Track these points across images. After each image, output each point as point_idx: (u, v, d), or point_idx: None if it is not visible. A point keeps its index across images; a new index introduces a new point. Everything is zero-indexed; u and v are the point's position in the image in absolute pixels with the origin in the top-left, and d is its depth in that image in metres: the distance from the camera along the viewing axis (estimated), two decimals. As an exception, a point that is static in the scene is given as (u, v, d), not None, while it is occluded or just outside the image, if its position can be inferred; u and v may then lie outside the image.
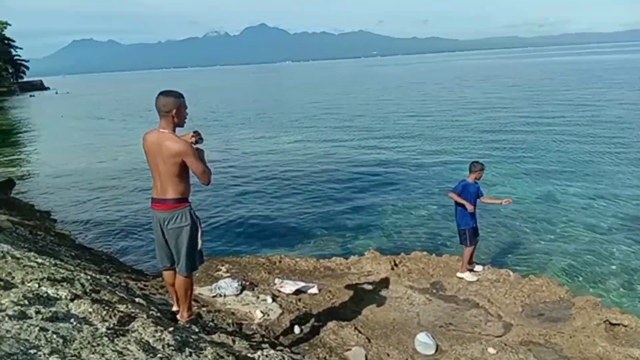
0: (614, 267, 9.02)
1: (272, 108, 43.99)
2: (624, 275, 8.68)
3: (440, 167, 17.21)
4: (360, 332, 6.30)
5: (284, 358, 4.32)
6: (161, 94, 4.21)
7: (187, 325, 4.57)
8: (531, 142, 20.77)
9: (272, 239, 10.94)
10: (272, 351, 4.41)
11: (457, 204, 7.95)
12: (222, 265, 8.56)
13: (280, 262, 9.09)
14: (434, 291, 7.83)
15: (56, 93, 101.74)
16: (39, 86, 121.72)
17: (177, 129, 4.37)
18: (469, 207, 7.70)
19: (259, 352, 4.22)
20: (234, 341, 4.48)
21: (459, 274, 8.15)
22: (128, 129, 33.39)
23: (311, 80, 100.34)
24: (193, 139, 4.51)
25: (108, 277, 6.58)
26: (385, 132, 25.58)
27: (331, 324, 6.39)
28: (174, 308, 4.88)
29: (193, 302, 6.67)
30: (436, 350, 6.05)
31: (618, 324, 6.65)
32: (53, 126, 39.61)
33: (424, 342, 6.12)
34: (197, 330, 4.54)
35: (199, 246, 4.51)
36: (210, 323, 5.59)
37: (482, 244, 10.09)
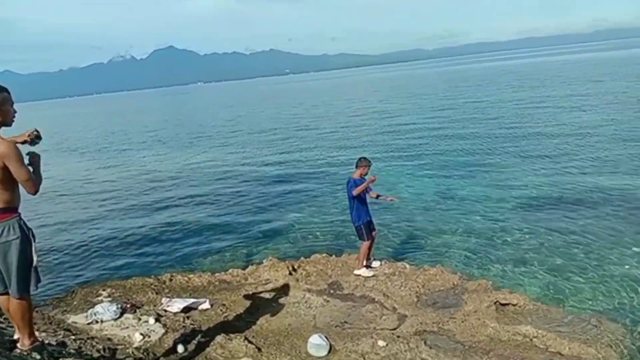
0: (506, 251, 9.25)
1: (177, 128, 42.82)
2: (516, 258, 8.90)
3: (343, 173, 17.28)
4: (250, 342, 5.91)
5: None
6: None
7: (26, 354, 3.95)
8: (428, 143, 21.56)
9: (162, 257, 10.28)
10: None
11: (353, 199, 7.86)
12: (104, 290, 7.85)
13: (170, 280, 8.50)
14: (332, 291, 7.63)
15: None
16: None
17: (5, 129, 3.84)
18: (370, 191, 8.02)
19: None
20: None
21: (356, 272, 8.01)
22: None
23: (221, 100, 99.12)
24: (28, 138, 3.98)
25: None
26: (291, 145, 25.53)
27: (219, 338, 5.95)
28: (15, 336, 4.23)
29: (66, 332, 5.98)
30: (329, 351, 5.79)
31: (507, 304, 6.76)
32: None
33: (316, 344, 5.84)
34: (38, 358, 3.93)
35: (34, 262, 3.90)
36: (73, 351, 4.95)
37: (381, 240, 10.09)
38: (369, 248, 8.15)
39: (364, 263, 8.09)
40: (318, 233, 11.13)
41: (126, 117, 71.69)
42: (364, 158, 7.96)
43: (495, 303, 6.69)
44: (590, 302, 6.99)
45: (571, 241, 9.34)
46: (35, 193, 3.81)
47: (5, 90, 3.78)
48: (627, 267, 8.01)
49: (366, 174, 7.89)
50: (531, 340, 5.78)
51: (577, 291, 7.39)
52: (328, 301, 7.27)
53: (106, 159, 27.06)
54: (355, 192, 7.71)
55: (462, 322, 6.31)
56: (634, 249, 8.68)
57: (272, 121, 39.89)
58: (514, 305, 6.71)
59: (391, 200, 8.51)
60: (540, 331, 5.85)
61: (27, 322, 4.04)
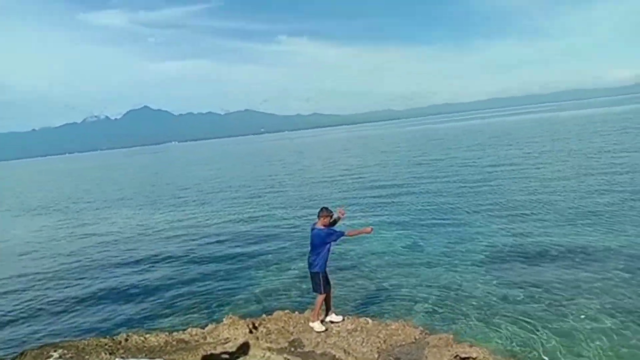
0: (469, 304, 9.28)
1: (143, 187, 42.43)
2: (478, 311, 8.94)
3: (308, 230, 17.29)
4: (204, 404, 5.65)
5: None
6: None
7: None
8: (395, 200, 21.88)
9: (120, 316, 9.96)
10: None
11: (324, 246, 7.87)
12: (55, 351, 7.44)
13: (126, 340, 8.14)
14: (292, 349, 7.43)
15: None
16: None
17: None
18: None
19: None
20: None
21: (310, 324, 7.87)
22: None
23: (193, 159, 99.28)
24: None
25: None
26: (258, 202, 25.56)
27: (172, 401, 5.68)
28: None
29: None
30: (285, 412, 5.58)
31: (467, 358, 6.67)
32: None
33: (272, 405, 5.64)
34: None
35: None
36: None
37: (345, 294, 10.04)
38: (327, 300, 8.05)
39: (320, 316, 7.97)
40: (281, 289, 11.01)
41: (94, 176, 71.01)
42: (326, 208, 8.02)
43: (455, 357, 6.61)
44: (549, 354, 6.99)
45: (533, 294, 9.44)
46: None
47: None
48: (586, 319, 8.09)
49: (327, 223, 7.91)
50: (491, 394, 5.70)
51: (538, 344, 7.40)
52: (288, 359, 7.07)
53: (66, 219, 26.72)
54: (351, 233, 8.03)
55: (422, 377, 6.19)
56: (594, 300, 8.80)
57: (241, 179, 40.02)
58: (474, 359, 6.63)
59: (369, 231, 8.18)
60: (499, 385, 5.78)
61: None
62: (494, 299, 9.44)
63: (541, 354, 7.11)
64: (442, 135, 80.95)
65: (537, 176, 23.81)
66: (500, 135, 62.62)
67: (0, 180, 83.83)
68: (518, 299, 9.30)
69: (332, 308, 8.34)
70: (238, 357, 7.24)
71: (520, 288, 9.80)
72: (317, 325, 7.83)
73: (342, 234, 7.77)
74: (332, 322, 8.08)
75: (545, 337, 7.59)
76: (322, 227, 7.91)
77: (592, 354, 6.92)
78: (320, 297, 7.86)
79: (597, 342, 7.27)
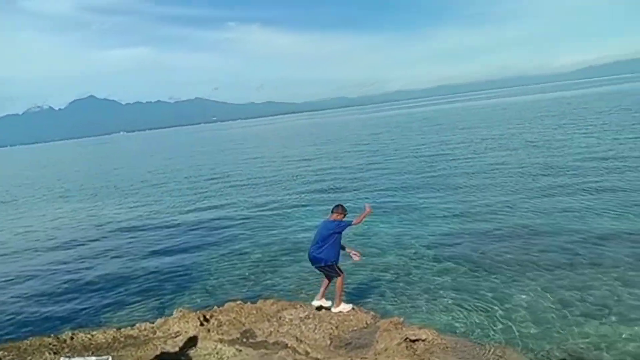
0: (419, 288, 9.48)
1: (88, 179, 41.04)
2: (427, 294, 9.16)
3: (258, 218, 17.19)
4: (152, 400, 5.53)
5: None
6: None
7: None
8: (344, 184, 22.14)
9: (64, 314, 9.62)
10: None
11: (333, 236, 8.00)
12: (-7, 354, 7.11)
13: (72, 338, 7.85)
14: (244, 340, 7.37)
15: None
16: None
17: None
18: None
19: None
20: None
21: (336, 309, 7.94)
22: None
23: (140, 149, 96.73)
24: None
25: None
26: (208, 192, 25.23)
27: (119, 399, 5.53)
28: None
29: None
30: (237, 403, 5.54)
31: (417, 340, 6.81)
32: None
33: (222, 397, 5.58)
34: None
35: None
36: None
37: (296, 281, 10.12)
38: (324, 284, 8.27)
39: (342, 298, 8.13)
40: (232, 280, 10.89)
41: (35, 169, 67.95)
42: (342, 206, 8.30)
43: (405, 340, 6.72)
44: (493, 332, 7.26)
45: (477, 274, 9.75)
46: None
47: None
48: (525, 296, 8.44)
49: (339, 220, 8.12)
50: (439, 375, 5.84)
51: (482, 322, 7.66)
52: (240, 350, 7.00)
53: (6, 213, 25.45)
54: (357, 221, 8.15)
55: (373, 361, 6.27)
56: (534, 278, 9.19)
57: (192, 169, 39.30)
58: (423, 340, 6.77)
59: (354, 254, 8.49)
60: (447, 365, 5.93)
61: None
62: (443, 281, 9.70)
63: (483, 333, 7.36)
64: (394, 122, 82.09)
65: (484, 160, 24.56)
66: (449, 120, 64.19)
67: None
68: (466, 280, 9.58)
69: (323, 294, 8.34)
70: (188, 351, 7.13)
71: (468, 270, 10.10)
72: (343, 306, 7.97)
73: (349, 222, 8.04)
74: (322, 306, 8.13)
75: (488, 317, 7.87)
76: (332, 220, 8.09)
77: (532, 332, 7.21)
78: (340, 279, 7.97)
79: (544, 320, 7.58)
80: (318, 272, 10.82)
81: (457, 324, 7.76)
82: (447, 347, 6.68)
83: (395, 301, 8.97)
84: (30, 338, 7.94)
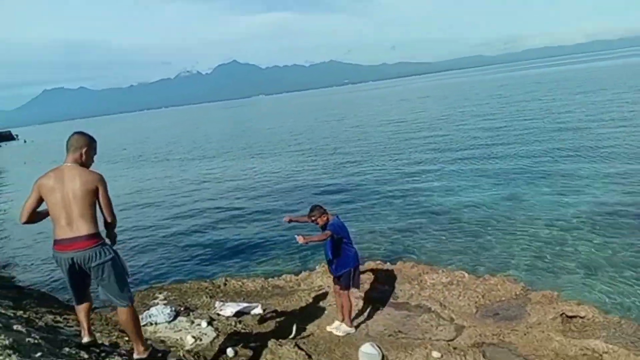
0: (574, 262, 8.66)
1: (241, 139, 43.70)
2: (584, 269, 8.32)
3: (405, 181, 16.95)
4: (301, 349, 5.78)
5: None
6: (75, 133, 4.27)
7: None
8: (491, 150, 20.74)
9: (218, 262, 10.41)
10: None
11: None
12: (160, 293, 7.99)
13: (225, 284, 8.55)
14: (386, 300, 7.38)
15: (24, 142, 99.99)
16: (7, 136, 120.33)
17: None
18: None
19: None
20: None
21: (333, 328, 6.51)
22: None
23: (285, 111, 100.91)
24: None
25: (20, 311, 6.00)
26: (355, 154, 25.29)
27: (270, 343, 5.87)
28: (85, 339, 4.42)
29: (120, 333, 6.10)
30: (381, 361, 5.57)
31: (575, 316, 6.27)
32: (13, 172, 38.88)
33: (368, 353, 5.64)
34: (86, 357, 4.01)
35: (127, 271, 4.34)
36: (124, 352, 5.01)
37: (439, 248, 9.79)
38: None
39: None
40: (372, 239, 10.89)
41: (197, 128, 74.30)
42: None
43: (561, 315, 6.23)
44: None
45: (646, 251, 8.61)
46: (112, 220, 4.19)
47: (95, 140, 4.35)
48: None
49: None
50: (601, 356, 5.31)
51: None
52: (381, 309, 7.05)
53: (169, 168, 28.14)
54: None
55: (525, 334, 5.90)
56: None
57: (332, 131, 39.90)
58: (581, 317, 6.21)
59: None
60: (611, 346, 5.36)
61: (139, 329, 4.41)
62: (601, 256, 8.71)
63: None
64: (543, 81, 75.42)
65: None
66: (608, 80, 57.26)
67: (110, 133, 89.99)
68: (628, 257, 8.52)
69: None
70: (329, 305, 7.33)
71: (631, 246, 8.96)
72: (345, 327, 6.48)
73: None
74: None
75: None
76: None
77: None
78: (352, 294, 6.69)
79: None
80: (458, 238, 10.52)
81: (620, 304, 6.93)
82: (609, 327, 6.05)
83: (546, 274, 8.27)
84: (190, 282, 8.78)
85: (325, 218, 6.20)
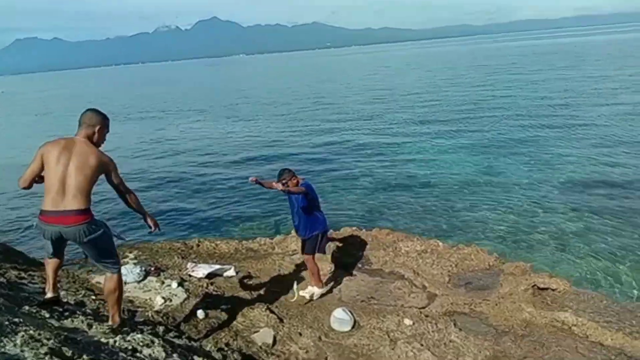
0: (547, 235, 8.76)
1: (215, 100, 42.94)
2: (558, 242, 8.43)
3: (392, 151, 16.86)
4: (272, 312, 5.74)
5: (154, 343, 3.70)
6: (89, 110, 4.22)
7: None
8: (468, 121, 20.79)
9: (192, 223, 10.29)
10: (138, 335, 3.77)
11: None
12: (131, 252, 7.79)
13: (198, 245, 8.40)
14: (359, 265, 7.36)
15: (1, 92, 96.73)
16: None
17: None
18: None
19: (119, 337, 3.58)
20: (90, 326, 3.82)
21: (306, 292, 6.39)
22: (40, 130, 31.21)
23: (265, 72, 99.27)
24: None
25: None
26: (331, 121, 25.07)
27: (242, 306, 5.81)
28: (48, 295, 4.26)
29: (88, 291, 5.94)
30: (353, 326, 5.55)
31: (546, 289, 6.33)
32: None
33: (340, 318, 5.62)
34: (47, 316, 3.86)
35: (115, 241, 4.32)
36: (89, 311, 4.87)
37: (415, 216, 9.77)
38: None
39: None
40: (351, 207, 10.84)
41: (176, 87, 72.75)
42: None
43: (533, 287, 6.27)
44: (638, 291, 6.50)
45: (618, 225, 8.76)
46: (134, 197, 4.28)
47: (108, 119, 4.30)
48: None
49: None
50: (570, 328, 5.38)
51: (624, 278, 6.91)
52: (355, 275, 7.03)
53: (147, 126, 27.52)
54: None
55: (496, 305, 5.94)
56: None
57: (313, 97, 39.45)
58: (553, 290, 6.27)
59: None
60: (580, 319, 5.43)
61: (121, 297, 4.33)
62: (574, 228, 8.87)
63: (625, 290, 6.64)
64: (526, 53, 75.48)
65: (631, 101, 21.72)
66: (593, 54, 57.57)
67: (91, 88, 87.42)
68: (600, 230, 8.68)
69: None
70: (305, 269, 7.24)
71: (604, 218, 9.13)
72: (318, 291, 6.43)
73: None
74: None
75: (631, 273, 7.06)
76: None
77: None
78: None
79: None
80: (434, 207, 10.54)
81: (591, 277, 7.07)
82: (580, 300, 6.13)
83: (519, 245, 8.38)
84: (162, 241, 8.61)
85: (295, 181, 6.10)
